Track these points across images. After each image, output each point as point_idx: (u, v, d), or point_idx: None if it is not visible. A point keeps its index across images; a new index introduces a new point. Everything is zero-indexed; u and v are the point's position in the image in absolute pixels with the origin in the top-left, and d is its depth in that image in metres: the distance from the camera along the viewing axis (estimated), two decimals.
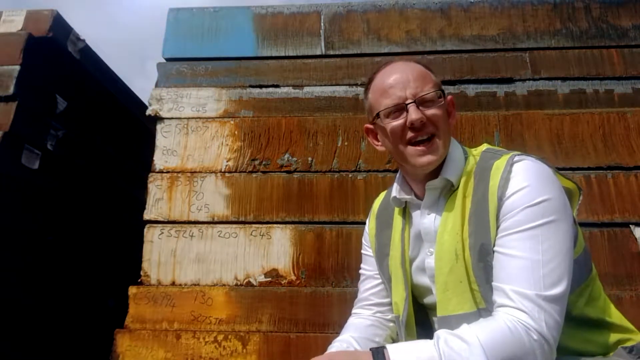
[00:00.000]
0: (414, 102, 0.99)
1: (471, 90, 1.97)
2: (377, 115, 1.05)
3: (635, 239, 1.70)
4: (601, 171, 1.79)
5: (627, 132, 1.82)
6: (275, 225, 1.84)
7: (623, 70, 1.95)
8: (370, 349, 0.83)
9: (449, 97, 1.09)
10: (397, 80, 1.02)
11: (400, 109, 1.01)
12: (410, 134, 1.01)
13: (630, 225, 1.71)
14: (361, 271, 1.27)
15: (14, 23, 2.14)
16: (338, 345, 1.09)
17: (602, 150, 1.81)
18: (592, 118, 1.86)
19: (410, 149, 1.02)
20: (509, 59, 2.01)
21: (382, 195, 1.30)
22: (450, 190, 1.04)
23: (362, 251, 1.29)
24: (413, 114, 0.98)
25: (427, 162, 1.01)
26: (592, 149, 1.82)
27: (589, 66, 1.97)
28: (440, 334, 0.83)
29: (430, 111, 1.00)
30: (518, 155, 0.99)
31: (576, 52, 1.99)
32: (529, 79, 1.97)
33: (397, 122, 1.01)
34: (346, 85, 2.03)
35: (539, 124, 1.87)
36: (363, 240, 1.29)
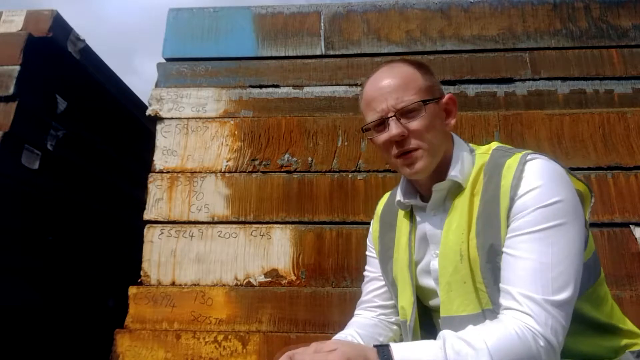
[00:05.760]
0: (394, 115, 0.98)
1: (471, 90, 1.97)
2: (366, 129, 1.05)
3: (635, 239, 1.69)
4: (601, 171, 1.79)
5: (627, 132, 1.82)
6: (275, 225, 1.84)
7: (623, 70, 1.95)
8: (374, 345, 0.82)
9: (447, 95, 1.06)
10: (380, 91, 1.01)
11: (382, 122, 1.00)
12: (395, 149, 1.00)
13: (630, 225, 1.71)
14: (365, 273, 1.26)
15: (14, 23, 2.14)
16: (342, 337, 1.07)
17: (602, 150, 1.81)
18: (592, 118, 1.86)
19: (397, 161, 1.02)
20: (509, 59, 2.01)
21: (386, 196, 1.28)
22: (457, 190, 1.02)
23: (367, 253, 1.27)
24: (393, 129, 0.97)
25: (411, 172, 1.00)
26: (592, 149, 1.82)
27: (589, 66, 1.97)
28: (446, 335, 0.82)
29: (413, 123, 0.98)
30: (531, 153, 0.96)
31: (576, 52, 1.99)
32: (529, 79, 1.97)
33: (382, 136, 1.00)
34: (346, 85, 2.03)
35: (539, 124, 1.87)
36: (368, 242, 1.28)
